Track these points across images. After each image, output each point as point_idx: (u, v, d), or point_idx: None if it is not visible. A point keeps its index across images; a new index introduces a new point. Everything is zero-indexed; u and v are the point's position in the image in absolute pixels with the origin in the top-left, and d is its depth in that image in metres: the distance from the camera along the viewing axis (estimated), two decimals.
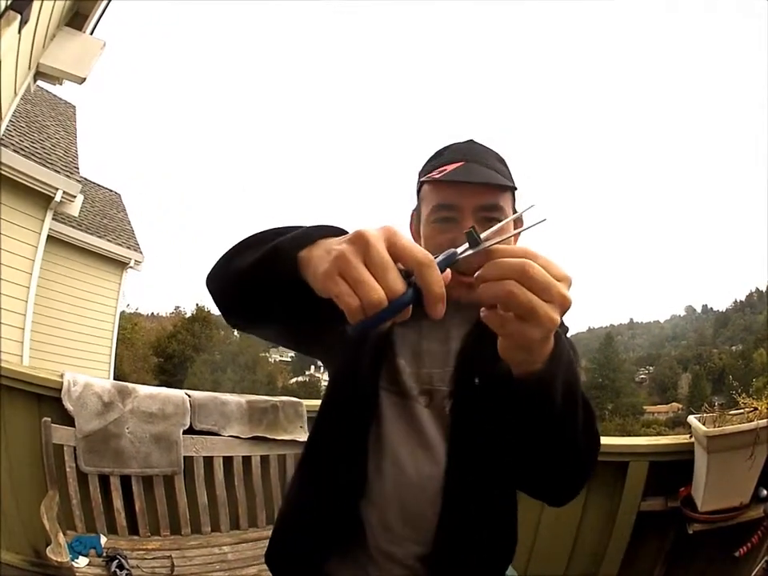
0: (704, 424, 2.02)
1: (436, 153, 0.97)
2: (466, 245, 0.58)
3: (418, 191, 0.96)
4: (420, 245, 0.88)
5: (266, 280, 0.69)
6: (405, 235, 0.52)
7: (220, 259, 0.80)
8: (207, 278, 0.82)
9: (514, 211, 0.92)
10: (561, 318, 0.57)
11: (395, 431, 0.85)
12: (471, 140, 0.97)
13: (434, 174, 0.89)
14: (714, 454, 1.95)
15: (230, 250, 0.79)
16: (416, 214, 0.98)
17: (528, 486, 0.82)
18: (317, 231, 0.65)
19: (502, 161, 0.95)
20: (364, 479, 0.84)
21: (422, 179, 0.94)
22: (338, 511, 0.84)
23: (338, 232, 0.64)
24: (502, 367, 0.67)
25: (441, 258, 0.55)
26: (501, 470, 0.84)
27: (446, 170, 0.87)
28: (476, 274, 0.56)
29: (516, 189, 0.90)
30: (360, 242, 0.51)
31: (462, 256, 0.57)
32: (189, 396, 2.45)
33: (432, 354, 0.89)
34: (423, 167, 0.97)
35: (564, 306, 0.56)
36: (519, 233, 0.89)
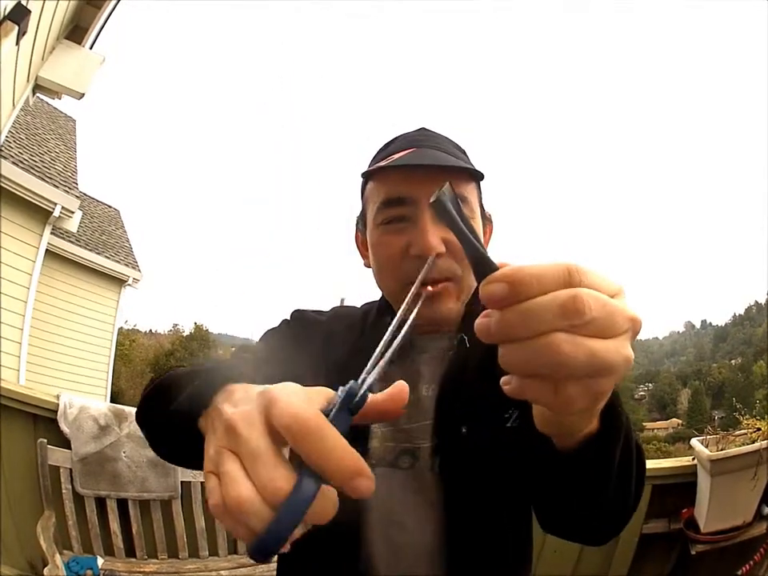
0: (707, 446, 2.02)
1: (382, 146, 0.82)
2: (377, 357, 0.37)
3: (362, 192, 0.81)
4: (368, 260, 0.80)
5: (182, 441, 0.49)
6: (288, 395, 0.34)
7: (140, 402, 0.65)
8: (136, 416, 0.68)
9: (482, 208, 0.79)
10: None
11: (379, 507, 0.70)
12: (423, 128, 0.82)
13: (379, 164, 0.74)
14: (718, 476, 1.94)
15: (145, 397, 0.64)
16: (361, 222, 0.83)
17: (560, 535, 0.66)
18: (207, 389, 0.46)
19: (461, 149, 0.81)
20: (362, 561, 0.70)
21: (363, 172, 0.79)
22: None
23: (232, 374, 0.46)
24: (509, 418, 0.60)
25: (337, 403, 0.33)
26: (509, 527, 0.72)
27: (393, 158, 0.73)
28: (483, 318, 0.34)
29: (483, 177, 0.76)
30: (229, 434, 0.35)
31: (376, 369, 0.36)
32: None
33: (406, 404, 0.72)
34: (368, 167, 0.81)
35: (636, 329, 0.34)
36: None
